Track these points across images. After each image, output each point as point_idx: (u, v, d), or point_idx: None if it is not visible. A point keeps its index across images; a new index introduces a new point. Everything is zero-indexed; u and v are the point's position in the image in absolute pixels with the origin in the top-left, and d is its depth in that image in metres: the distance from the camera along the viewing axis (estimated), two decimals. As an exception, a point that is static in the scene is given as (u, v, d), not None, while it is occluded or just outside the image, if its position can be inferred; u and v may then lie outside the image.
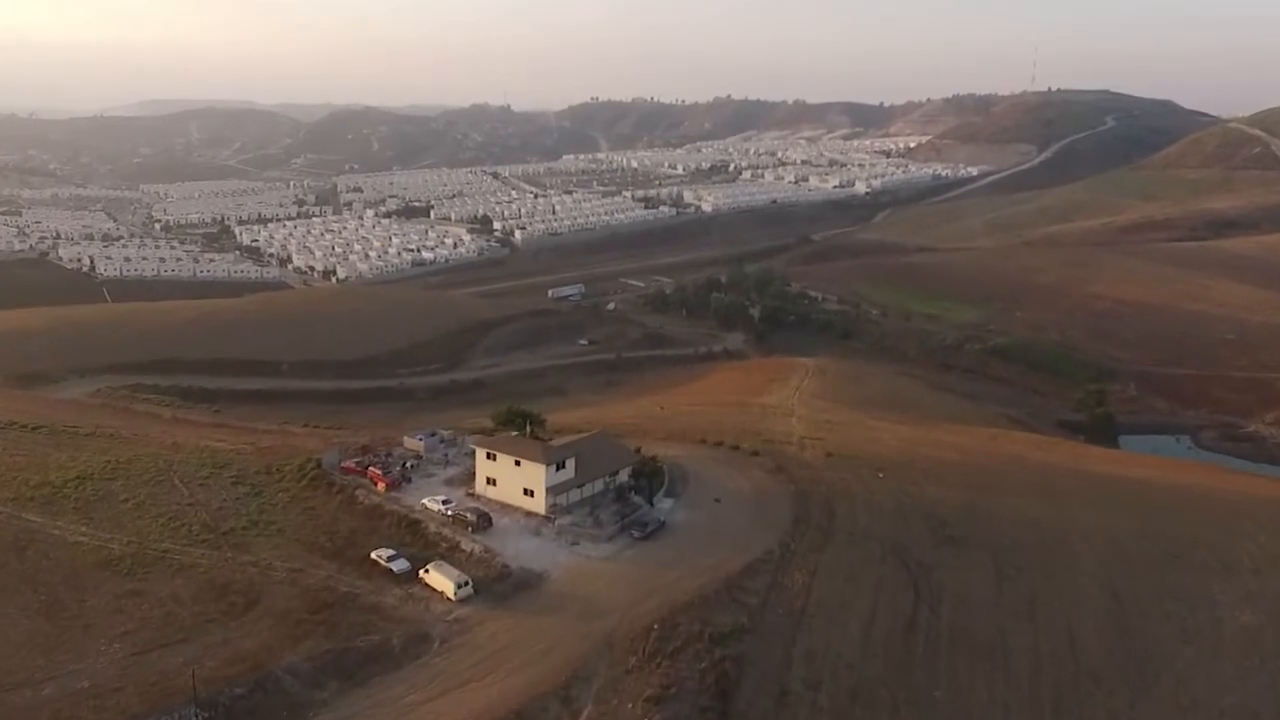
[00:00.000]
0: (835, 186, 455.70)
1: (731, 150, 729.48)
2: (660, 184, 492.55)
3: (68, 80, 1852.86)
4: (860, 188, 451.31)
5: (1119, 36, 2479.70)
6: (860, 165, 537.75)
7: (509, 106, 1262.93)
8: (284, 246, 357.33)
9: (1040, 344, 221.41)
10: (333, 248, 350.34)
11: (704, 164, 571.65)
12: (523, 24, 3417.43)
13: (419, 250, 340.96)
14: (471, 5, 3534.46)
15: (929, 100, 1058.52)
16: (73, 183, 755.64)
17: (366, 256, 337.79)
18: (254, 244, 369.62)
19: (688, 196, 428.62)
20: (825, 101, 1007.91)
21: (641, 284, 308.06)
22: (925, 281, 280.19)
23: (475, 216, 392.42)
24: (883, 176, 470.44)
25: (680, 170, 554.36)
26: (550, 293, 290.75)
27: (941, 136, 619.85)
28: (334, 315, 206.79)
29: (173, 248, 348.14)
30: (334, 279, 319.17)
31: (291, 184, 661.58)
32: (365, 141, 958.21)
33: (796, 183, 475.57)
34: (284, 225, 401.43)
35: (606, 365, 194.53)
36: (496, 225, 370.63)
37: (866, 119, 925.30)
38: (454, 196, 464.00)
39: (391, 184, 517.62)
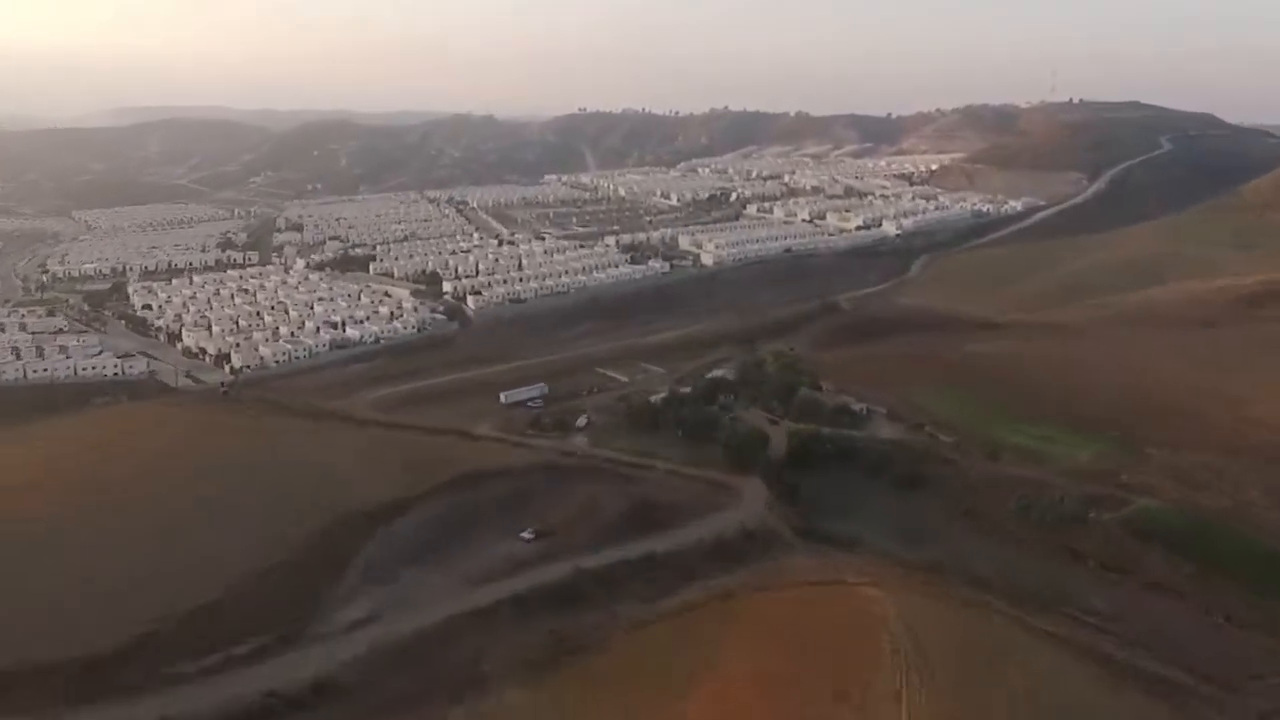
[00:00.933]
0: (859, 228, 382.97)
1: (731, 171, 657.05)
2: (651, 221, 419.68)
3: (50, 87, 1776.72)
4: (889, 229, 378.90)
5: (1134, 40, 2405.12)
6: (883, 196, 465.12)
7: (492, 116, 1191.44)
8: (179, 316, 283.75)
9: (1216, 524, 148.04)
10: (236, 321, 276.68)
11: (701, 192, 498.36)
12: (514, 28, 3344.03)
13: (343, 325, 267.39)
14: (466, 8, 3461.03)
15: (939, 111, 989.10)
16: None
17: (275, 334, 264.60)
18: (146, 310, 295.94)
19: (684, 242, 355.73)
20: (830, 114, 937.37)
21: (624, 378, 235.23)
22: (1004, 387, 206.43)
23: (423, 272, 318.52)
24: (914, 215, 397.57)
25: (674, 200, 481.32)
26: (503, 396, 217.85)
27: (972, 160, 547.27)
28: (101, 520, 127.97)
29: (24, 323, 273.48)
30: (227, 368, 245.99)
31: (236, 211, 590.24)
32: (332, 157, 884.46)
33: (812, 221, 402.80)
34: (192, 282, 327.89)
35: (555, 597, 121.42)
36: (447, 286, 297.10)
37: (875, 133, 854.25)
38: (405, 240, 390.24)
39: (339, 220, 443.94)
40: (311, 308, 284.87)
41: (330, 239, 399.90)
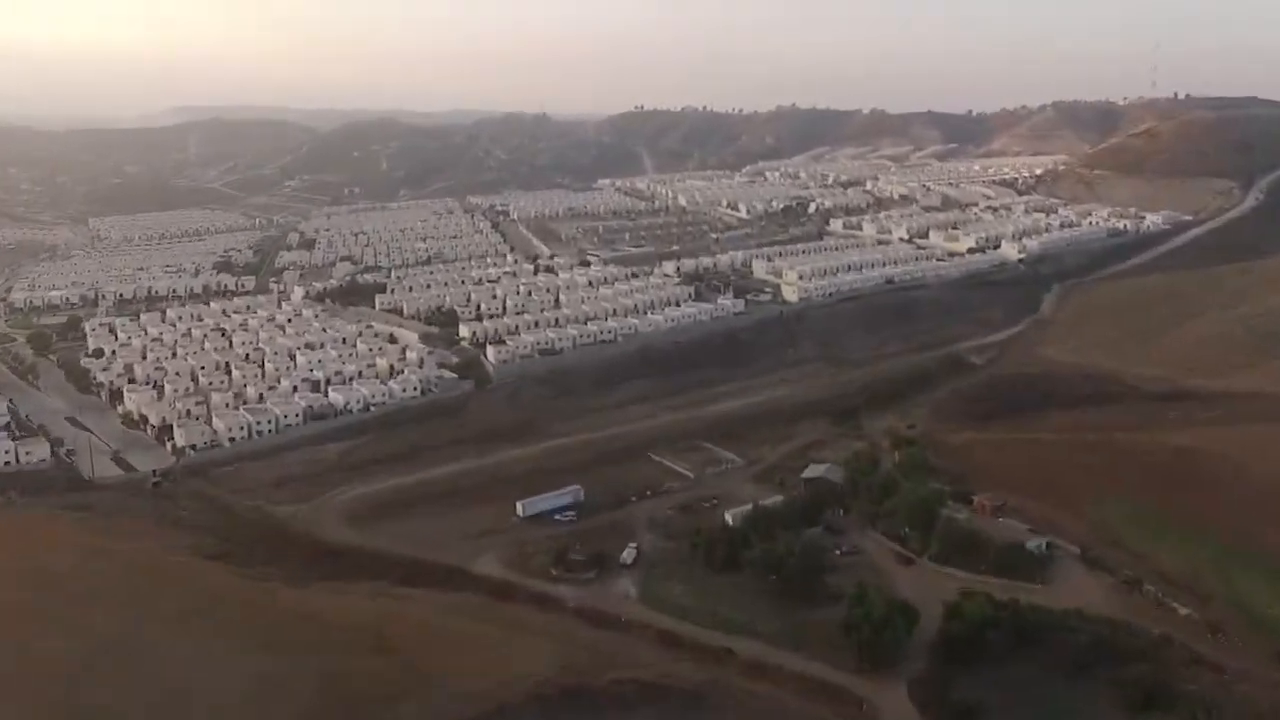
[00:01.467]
0: (972, 251, 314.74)
1: (804, 176, 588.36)
2: (719, 240, 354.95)
3: (111, 87, 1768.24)
4: (1009, 252, 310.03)
5: (1222, 32, 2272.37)
6: (991, 209, 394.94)
7: (545, 115, 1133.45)
8: (130, 367, 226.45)
9: None
10: (196, 375, 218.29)
11: (774, 202, 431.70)
12: (565, 25, 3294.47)
13: (327, 385, 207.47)
14: (527, 6, 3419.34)
15: (1025, 108, 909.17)
16: (11, 214, 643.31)
17: (241, 395, 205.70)
18: (96, 356, 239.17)
19: (759, 269, 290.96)
20: (907, 111, 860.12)
21: (687, 471, 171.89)
22: (1252, 512, 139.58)
23: (438, 309, 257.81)
24: (1039, 234, 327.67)
25: (743, 211, 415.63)
26: (521, 507, 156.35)
27: (1088, 164, 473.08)
28: None
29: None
30: (170, 444, 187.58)
31: (258, 220, 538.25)
32: (374, 159, 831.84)
33: (912, 241, 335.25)
34: (164, 318, 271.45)
35: None
36: (464, 330, 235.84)
37: (959, 132, 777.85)
38: (427, 262, 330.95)
39: (358, 235, 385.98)
40: (294, 357, 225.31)
41: (341, 259, 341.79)
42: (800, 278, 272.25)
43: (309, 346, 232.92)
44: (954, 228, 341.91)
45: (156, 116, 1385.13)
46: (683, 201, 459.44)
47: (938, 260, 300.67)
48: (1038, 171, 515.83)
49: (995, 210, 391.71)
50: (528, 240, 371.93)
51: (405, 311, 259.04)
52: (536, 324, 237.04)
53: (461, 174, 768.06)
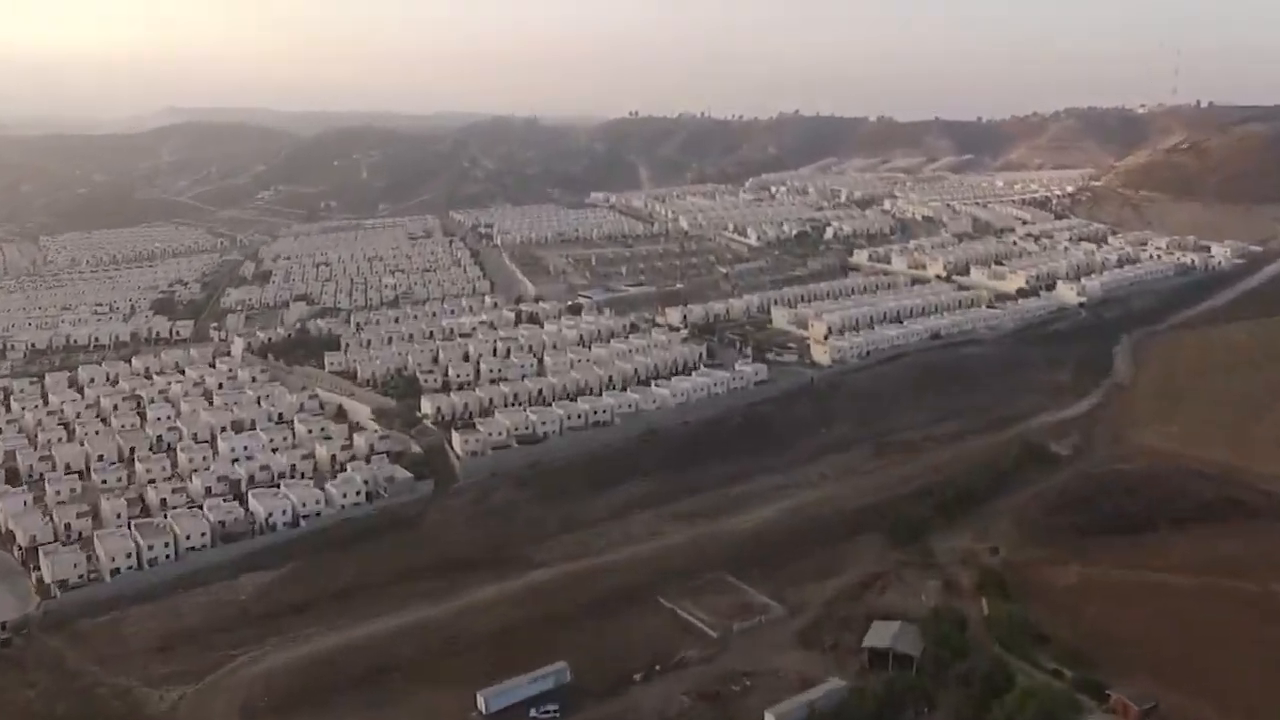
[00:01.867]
0: (1023, 291, 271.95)
1: (813, 193, 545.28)
2: (729, 277, 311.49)
3: (100, 89, 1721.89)
4: (1066, 294, 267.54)
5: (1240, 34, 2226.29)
6: (1029, 234, 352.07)
7: (536, 119, 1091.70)
8: (11, 454, 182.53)
9: None
10: (87, 467, 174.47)
11: (786, 226, 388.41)
12: (560, 25, 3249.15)
13: (247, 488, 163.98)
14: (518, 6, 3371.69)
15: (1036, 114, 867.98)
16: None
17: (136, 502, 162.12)
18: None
19: (781, 319, 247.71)
20: (917, 119, 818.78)
21: (711, 629, 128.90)
22: None
23: (399, 371, 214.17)
24: (1096, 272, 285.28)
25: (753, 238, 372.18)
26: (482, 701, 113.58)
27: (1131, 183, 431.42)
28: None
29: None
30: (35, 578, 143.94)
31: (219, 243, 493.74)
32: (353, 168, 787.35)
33: (950, 278, 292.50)
34: (73, 379, 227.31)
35: None
36: (427, 406, 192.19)
37: (973, 141, 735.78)
38: (394, 303, 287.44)
39: (321, 267, 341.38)
40: (216, 440, 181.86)
41: (296, 299, 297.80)
42: (830, 332, 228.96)
43: (236, 427, 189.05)
44: (998, 262, 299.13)
45: (148, 118, 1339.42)
46: (684, 224, 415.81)
47: (987, 307, 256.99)
48: (1069, 189, 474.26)
49: (1036, 238, 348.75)
50: (511, 274, 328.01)
51: (360, 375, 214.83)
52: (515, 398, 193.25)
53: (446, 185, 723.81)
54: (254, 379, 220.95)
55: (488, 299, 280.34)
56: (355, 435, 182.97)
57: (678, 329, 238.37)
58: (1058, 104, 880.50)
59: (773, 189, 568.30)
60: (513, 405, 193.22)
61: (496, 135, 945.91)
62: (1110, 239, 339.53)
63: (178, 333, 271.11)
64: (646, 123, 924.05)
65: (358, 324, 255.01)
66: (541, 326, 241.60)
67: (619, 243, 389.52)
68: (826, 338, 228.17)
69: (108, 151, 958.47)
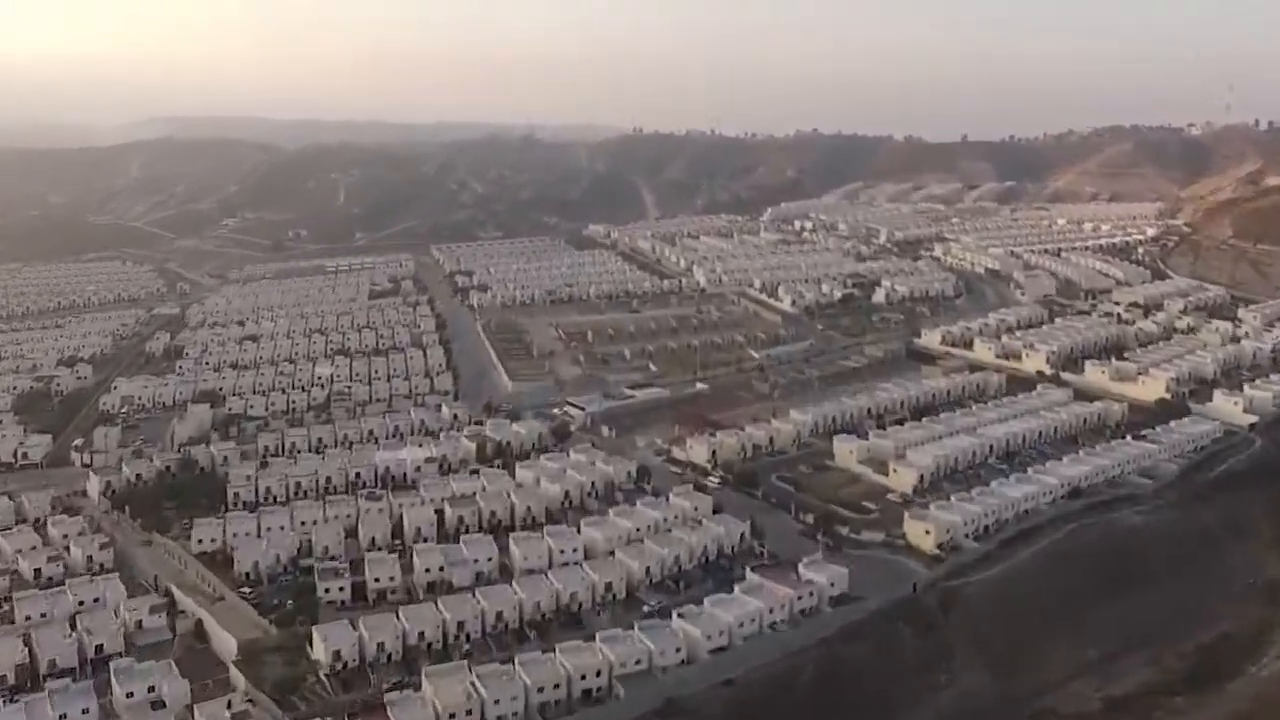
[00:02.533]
0: (1165, 403, 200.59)
1: (843, 226, 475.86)
2: (765, 362, 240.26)
3: (89, 96, 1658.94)
4: (1231, 412, 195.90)
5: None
6: (1133, 304, 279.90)
7: (533, 135, 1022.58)
8: None
9: None
10: None
11: (826, 286, 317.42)
12: (563, 32, 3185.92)
13: None
14: (519, 15, 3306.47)
15: (1072, 132, 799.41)
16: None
17: None
18: None
19: (846, 454, 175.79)
20: (944, 138, 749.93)
21: None
22: None
23: (294, 560, 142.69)
24: (1265, 377, 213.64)
25: (787, 302, 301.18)
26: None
27: (1238, 229, 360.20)
28: None
29: None
30: None
31: (159, 288, 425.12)
32: (330, 191, 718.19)
33: (1058, 376, 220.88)
34: None
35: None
36: (321, 648, 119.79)
37: (1012, 165, 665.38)
38: (323, 406, 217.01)
39: (245, 343, 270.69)
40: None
41: (199, 397, 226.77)
42: (923, 483, 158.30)
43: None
44: (1120, 354, 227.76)
45: (129, 128, 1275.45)
46: (700, 277, 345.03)
47: (1128, 432, 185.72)
48: (1150, 232, 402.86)
49: (1145, 309, 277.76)
50: (484, 359, 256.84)
51: (238, 565, 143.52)
52: (460, 631, 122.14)
53: (431, 210, 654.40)
54: (90, 559, 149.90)
55: (446, 410, 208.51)
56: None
57: (706, 481, 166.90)
58: (1094, 121, 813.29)
59: (797, 224, 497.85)
60: (456, 640, 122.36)
61: (489, 153, 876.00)
62: (1243, 313, 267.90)
63: (25, 455, 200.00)
64: (651, 140, 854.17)
65: (262, 458, 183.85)
66: (513, 471, 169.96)
67: (621, 304, 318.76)
68: (920, 494, 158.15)
69: (70, 167, 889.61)
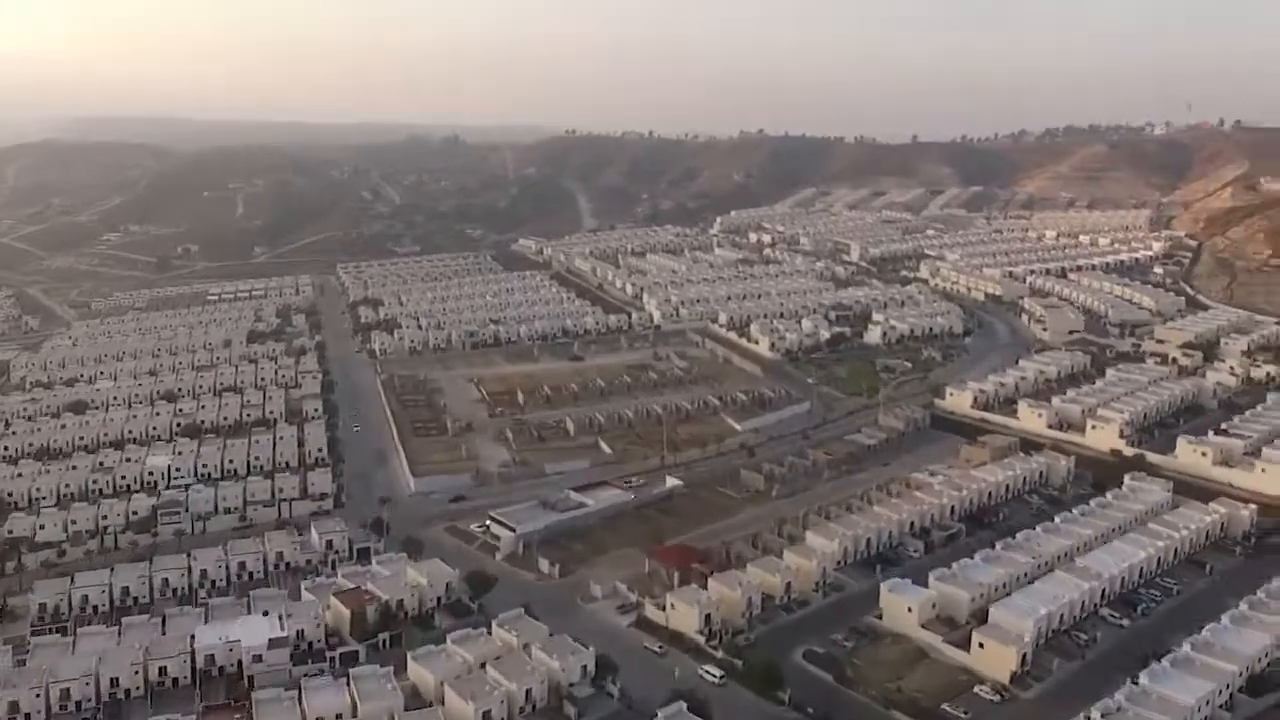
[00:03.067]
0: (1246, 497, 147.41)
1: (804, 240, 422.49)
2: (750, 444, 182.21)
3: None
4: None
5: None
6: (1187, 348, 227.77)
7: (457, 138, 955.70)
8: None
9: None
10: None
11: (810, 320, 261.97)
12: (489, 30, 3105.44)
13: None
14: (439, 9, 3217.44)
15: (1024, 132, 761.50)
16: None
17: None
18: None
19: (903, 616, 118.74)
20: (905, 141, 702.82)
21: None
22: None
23: None
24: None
25: (764, 345, 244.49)
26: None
27: (1259, 243, 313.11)
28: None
29: None
30: None
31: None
32: (228, 202, 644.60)
33: (1145, 461, 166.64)
34: None
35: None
36: None
37: (976, 168, 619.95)
38: (136, 560, 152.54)
39: (67, 417, 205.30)
40: None
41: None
42: (1025, 664, 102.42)
43: None
44: (1219, 429, 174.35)
45: (20, 128, 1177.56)
46: (653, 310, 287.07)
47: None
48: (1156, 247, 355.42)
49: (1198, 350, 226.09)
50: (382, 436, 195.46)
51: None
52: None
53: (341, 222, 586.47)
54: None
55: (315, 534, 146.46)
56: None
57: (703, 672, 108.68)
58: (1047, 121, 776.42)
59: (753, 236, 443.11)
60: None
61: (408, 157, 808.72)
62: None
63: None
64: (585, 143, 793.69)
65: (24, 641, 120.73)
66: (402, 663, 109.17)
67: (559, 347, 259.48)
68: (1024, 681, 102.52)
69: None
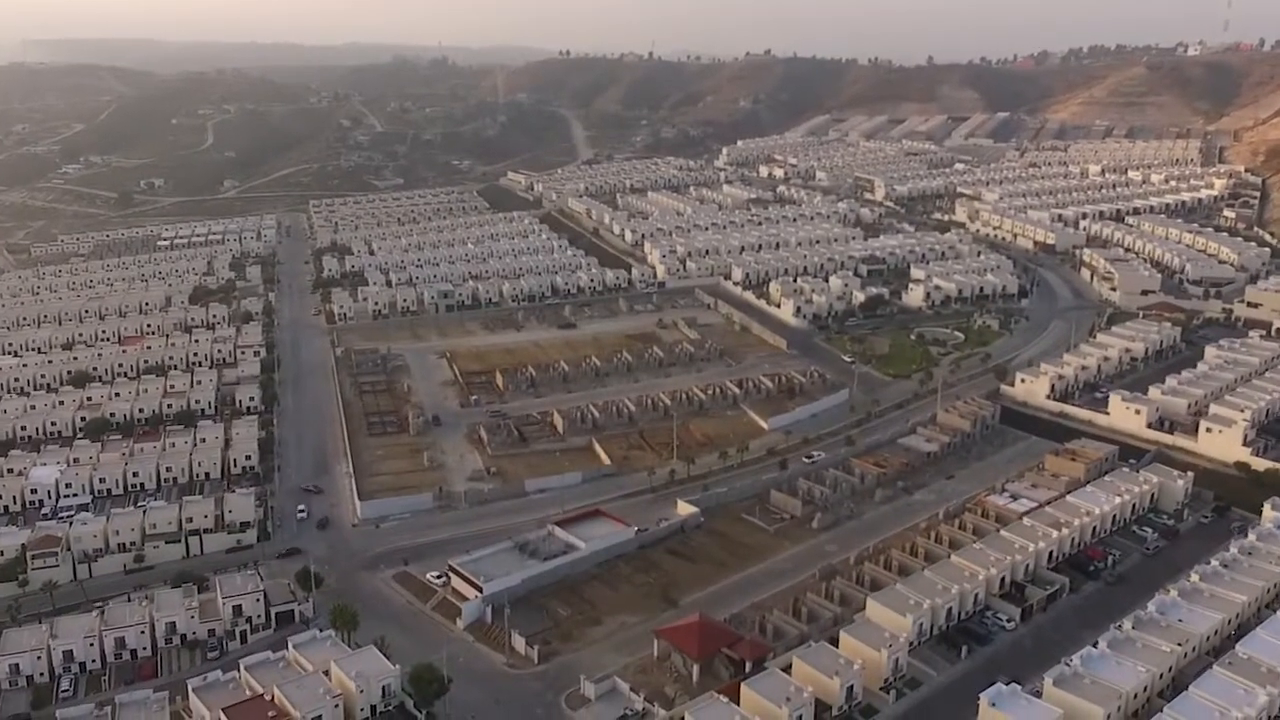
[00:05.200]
0: None
1: (822, 175, 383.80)
2: (785, 427, 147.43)
3: None
4: None
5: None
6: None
7: (445, 59, 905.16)
8: None
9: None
10: None
11: (836, 282, 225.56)
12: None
13: None
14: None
15: (1045, 53, 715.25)
16: None
17: None
18: None
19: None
20: (921, 63, 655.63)
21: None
22: None
23: None
24: None
25: (788, 311, 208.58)
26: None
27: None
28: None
29: None
30: None
31: None
32: (197, 130, 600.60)
33: (1272, 471, 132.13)
34: None
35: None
36: None
37: (1001, 93, 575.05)
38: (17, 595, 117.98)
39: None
40: None
41: None
42: None
43: None
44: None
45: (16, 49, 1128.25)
46: (657, 262, 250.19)
47: None
48: (1218, 184, 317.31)
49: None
50: (328, 437, 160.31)
51: None
52: None
53: (319, 152, 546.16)
54: None
55: (220, 597, 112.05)
56: None
57: None
58: (1070, 41, 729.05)
59: (764, 170, 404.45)
60: None
61: (392, 81, 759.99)
62: None
63: None
64: (581, 65, 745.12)
65: None
66: None
67: (548, 314, 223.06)
68: None
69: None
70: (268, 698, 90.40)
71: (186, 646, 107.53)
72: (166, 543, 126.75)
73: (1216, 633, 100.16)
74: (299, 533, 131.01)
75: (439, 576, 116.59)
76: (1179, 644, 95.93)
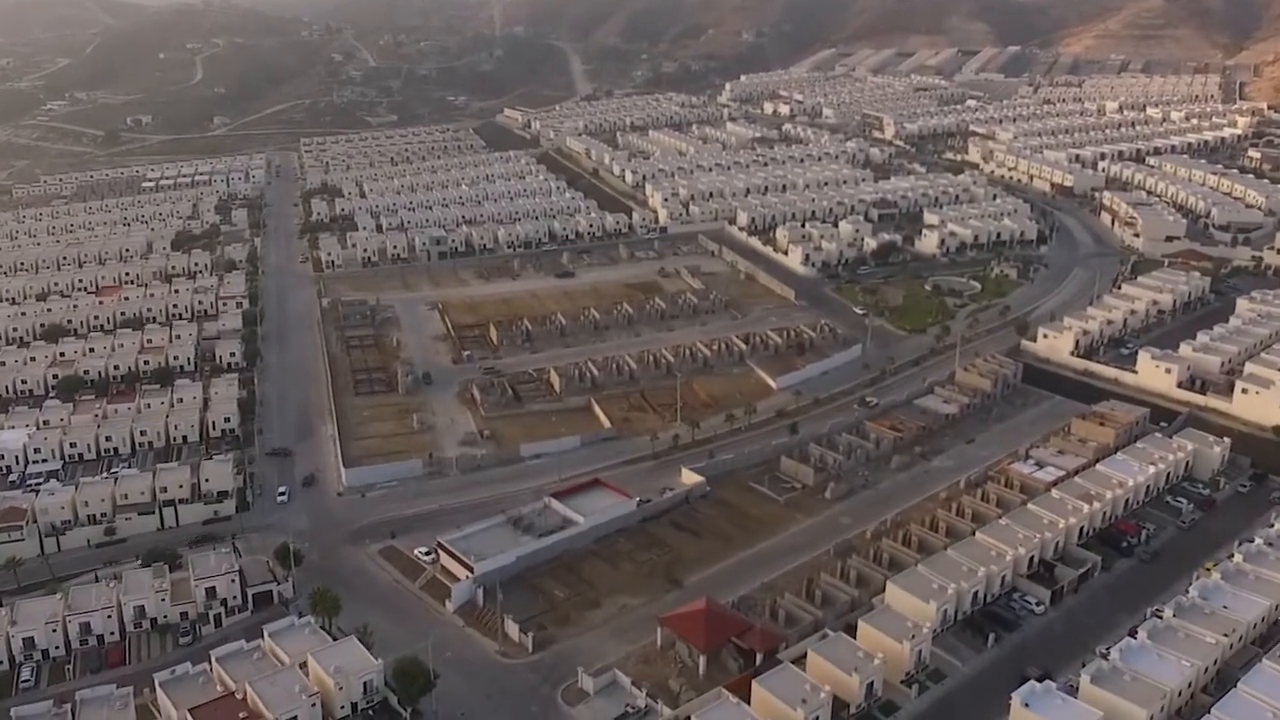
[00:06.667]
0: None
1: (829, 112, 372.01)
2: (794, 387, 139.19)
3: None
4: None
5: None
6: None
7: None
8: None
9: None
10: None
11: (846, 227, 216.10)
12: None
13: None
14: None
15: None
16: None
17: None
18: None
19: None
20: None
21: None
22: None
23: None
24: None
25: (796, 258, 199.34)
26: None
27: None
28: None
29: None
30: None
31: None
32: (185, 66, 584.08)
33: None
34: None
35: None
36: None
37: (1012, 25, 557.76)
38: None
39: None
40: None
41: None
42: None
43: None
44: None
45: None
46: (658, 205, 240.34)
47: None
48: (1241, 123, 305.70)
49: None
50: (313, 397, 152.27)
51: None
52: None
53: (311, 88, 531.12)
54: None
55: (193, 579, 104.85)
56: None
57: None
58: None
59: (768, 106, 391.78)
60: None
61: (388, 12, 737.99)
62: None
63: None
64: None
65: None
66: None
67: (545, 261, 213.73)
68: None
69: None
70: (239, 695, 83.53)
71: (157, 631, 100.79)
72: (139, 514, 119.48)
73: (1263, 619, 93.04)
74: (280, 505, 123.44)
75: (428, 553, 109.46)
76: (1224, 634, 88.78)
